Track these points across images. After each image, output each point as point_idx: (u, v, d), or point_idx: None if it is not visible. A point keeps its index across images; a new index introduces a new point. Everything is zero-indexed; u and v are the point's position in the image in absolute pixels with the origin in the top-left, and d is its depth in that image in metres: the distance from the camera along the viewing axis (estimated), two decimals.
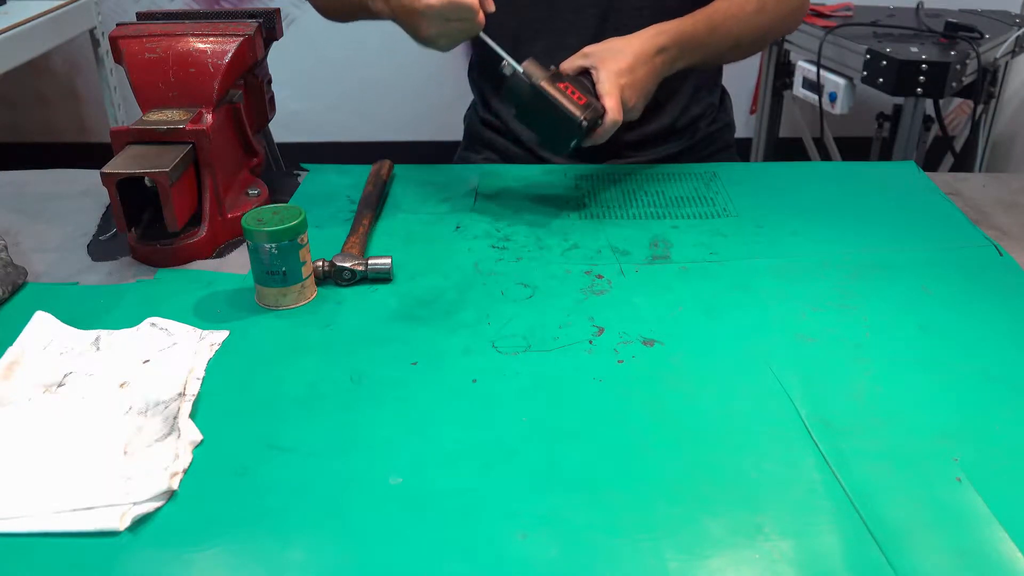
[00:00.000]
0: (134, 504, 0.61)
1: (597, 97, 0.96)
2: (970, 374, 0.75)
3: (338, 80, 2.78)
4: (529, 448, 0.67)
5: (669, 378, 0.75)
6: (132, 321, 0.82)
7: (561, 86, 0.95)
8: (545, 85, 0.94)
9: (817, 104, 2.13)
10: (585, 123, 0.93)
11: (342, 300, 0.87)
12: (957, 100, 2.68)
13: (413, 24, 0.93)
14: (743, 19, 1.08)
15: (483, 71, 1.27)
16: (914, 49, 1.94)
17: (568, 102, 0.94)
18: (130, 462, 0.65)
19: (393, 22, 0.98)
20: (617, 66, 0.97)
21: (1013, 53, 2.12)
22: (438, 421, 0.70)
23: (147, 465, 0.64)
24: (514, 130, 1.24)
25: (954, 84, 1.91)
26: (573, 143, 0.96)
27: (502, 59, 0.95)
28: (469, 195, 1.09)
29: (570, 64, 0.99)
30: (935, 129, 2.18)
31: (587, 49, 0.99)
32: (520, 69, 0.95)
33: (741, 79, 2.70)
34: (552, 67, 0.97)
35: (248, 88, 1.06)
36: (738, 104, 1.98)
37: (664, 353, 0.78)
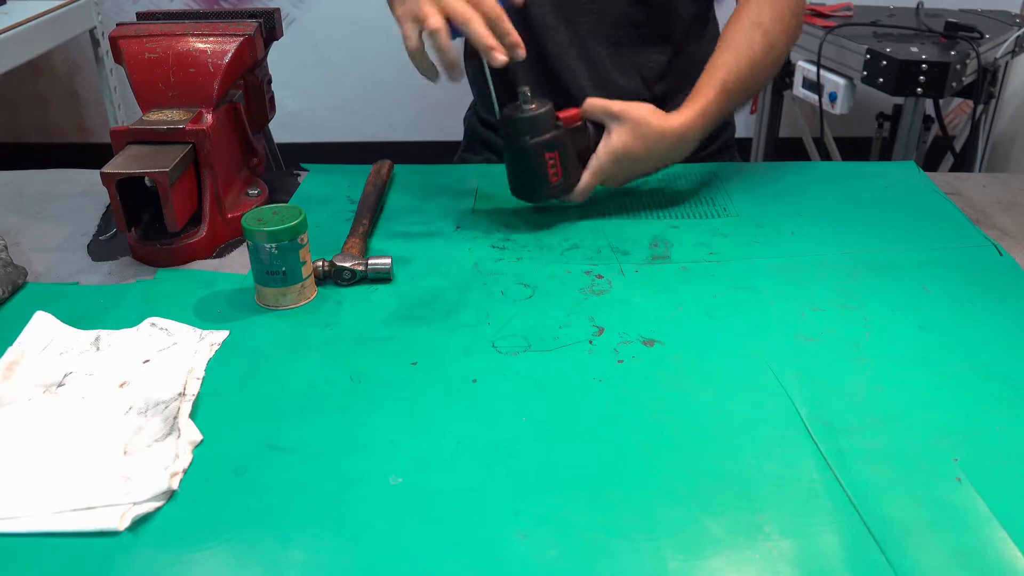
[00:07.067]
0: (134, 504, 0.61)
1: (585, 160, 0.98)
2: (970, 374, 0.75)
3: (338, 80, 2.78)
4: (529, 448, 0.67)
5: (669, 378, 0.75)
6: (132, 321, 0.82)
7: (552, 145, 0.95)
8: (535, 145, 0.94)
9: (817, 104, 2.13)
10: (549, 196, 0.99)
11: (342, 300, 0.87)
12: (957, 100, 2.68)
13: None
14: (760, 65, 1.04)
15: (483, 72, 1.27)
16: (914, 49, 1.94)
17: (545, 172, 0.96)
18: (130, 462, 0.65)
19: None
20: (623, 145, 0.96)
21: (1013, 53, 2.12)
22: (438, 421, 0.70)
23: (147, 465, 0.64)
24: None
25: (954, 84, 1.91)
26: (531, 204, 1.03)
27: (517, 87, 0.95)
28: (469, 195, 1.09)
29: (598, 105, 0.97)
30: (935, 129, 2.18)
31: (621, 108, 0.96)
32: (525, 111, 0.94)
33: None
34: (555, 106, 0.95)
35: (248, 88, 1.06)
36: None
37: (664, 353, 0.78)
